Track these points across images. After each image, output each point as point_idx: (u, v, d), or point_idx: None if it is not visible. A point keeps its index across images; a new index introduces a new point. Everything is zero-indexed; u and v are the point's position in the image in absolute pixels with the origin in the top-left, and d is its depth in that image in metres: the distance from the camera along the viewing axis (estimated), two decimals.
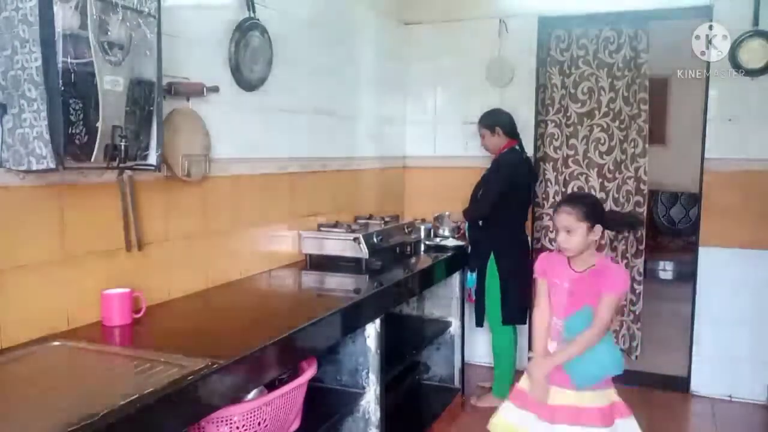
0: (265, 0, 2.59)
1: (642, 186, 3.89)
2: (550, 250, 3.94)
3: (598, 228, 2.15)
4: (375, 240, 2.82)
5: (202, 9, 2.31)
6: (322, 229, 2.99)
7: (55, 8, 1.47)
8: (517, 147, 3.41)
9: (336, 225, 3.02)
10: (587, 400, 2.11)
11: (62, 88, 1.50)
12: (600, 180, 3.89)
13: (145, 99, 1.76)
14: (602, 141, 3.87)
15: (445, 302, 3.46)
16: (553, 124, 3.97)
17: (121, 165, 1.73)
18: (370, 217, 3.34)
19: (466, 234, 3.52)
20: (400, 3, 4.07)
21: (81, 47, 1.54)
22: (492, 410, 3.35)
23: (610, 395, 2.15)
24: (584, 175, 3.93)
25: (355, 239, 2.76)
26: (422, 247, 3.38)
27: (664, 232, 6.89)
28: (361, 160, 3.59)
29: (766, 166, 3.42)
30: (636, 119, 3.86)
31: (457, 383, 3.50)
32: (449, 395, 3.41)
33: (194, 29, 2.24)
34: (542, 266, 2.30)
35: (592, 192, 3.89)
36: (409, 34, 4.12)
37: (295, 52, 2.86)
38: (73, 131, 1.55)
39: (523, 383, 2.27)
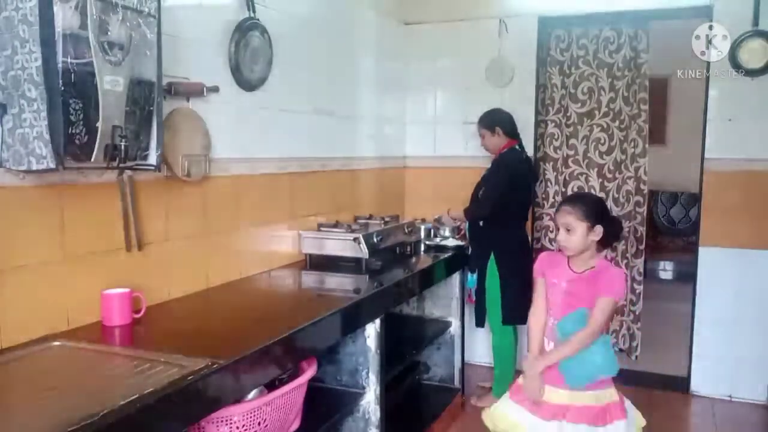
0: (265, 0, 2.59)
1: (642, 186, 3.89)
2: (551, 250, 3.95)
3: (599, 228, 2.14)
4: (375, 240, 2.82)
5: (202, 9, 2.31)
6: (322, 229, 2.99)
7: (55, 8, 1.47)
8: (517, 147, 3.40)
9: (336, 225, 3.02)
10: (579, 399, 2.11)
11: (62, 88, 1.50)
12: (600, 180, 3.89)
13: (145, 99, 1.76)
14: (602, 141, 3.87)
15: (445, 302, 3.46)
16: (553, 124, 3.97)
17: (121, 165, 1.73)
18: (370, 217, 3.34)
19: (467, 234, 3.52)
20: (400, 3, 4.07)
21: (81, 47, 1.54)
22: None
23: (607, 396, 2.14)
24: (584, 175, 3.93)
25: (355, 239, 2.76)
26: (422, 247, 3.38)
27: (664, 232, 6.89)
28: (361, 160, 3.59)
29: (766, 166, 3.42)
30: (636, 119, 3.86)
31: (457, 383, 3.50)
32: (449, 395, 3.41)
33: (194, 29, 2.24)
34: (542, 266, 2.31)
35: (592, 192, 3.89)
36: (409, 34, 4.12)
37: (295, 52, 2.86)
38: (73, 131, 1.55)
39: (522, 380, 2.27)
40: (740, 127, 3.44)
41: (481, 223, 3.39)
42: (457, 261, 3.34)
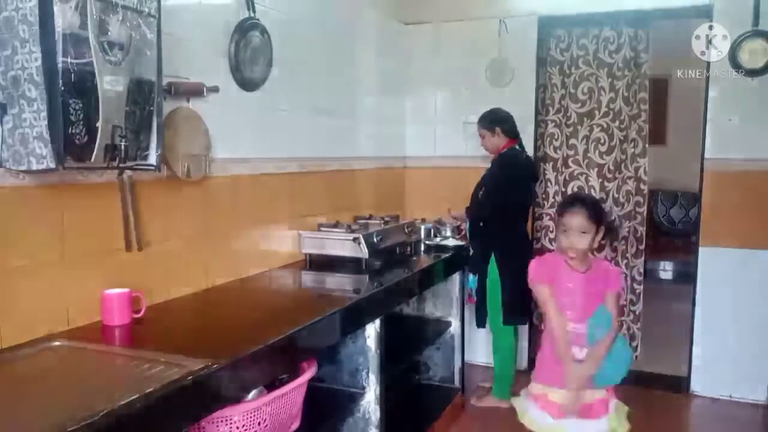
0: (265, 0, 2.59)
1: (642, 186, 3.90)
2: (547, 251, 3.95)
3: (602, 228, 2.17)
4: (375, 240, 2.82)
5: (202, 9, 2.31)
6: (322, 229, 2.99)
7: (55, 8, 1.47)
8: (517, 147, 3.40)
9: (336, 225, 3.02)
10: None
11: (62, 88, 1.50)
12: (600, 180, 3.89)
13: (145, 99, 1.76)
14: (602, 141, 3.88)
15: (445, 302, 3.46)
16: (553, 124, 3.97)
17: (121, 165, 1.73)
18: (370, 217, 3.34)
19: (467, 234, 3.52)
20: (400, 3, 4.07)
21: (81, 47, 1.54)
22: (492, 410, 3.39)
23: (595, 392, 2.17)
24: (584, 175, 3.93)
25: (355, 239, 2.76)
26: (422, 247, 3.38)
27: (664, 232, 6.89)
28: (361, 160, 3.59)
29: (766, 166, 3.42)
30: (636, 119, 3.86)
31: (457, 383, 3.50)
32: (449, 395, 3.41)
33: (194, 29, 2.24)
34: (542, 272, 2.22)
35: (592, 192, 3.89)
36: (409, 34, 4.12)
37: (295, 52, 2.86)
38: (73, 131, 1.55)
39: (565, 394, 2.18)
40: (740, 127, 3.44)
41: (481, 223, 3.39)
42: (457, 261, 3.34)
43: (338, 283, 2.73)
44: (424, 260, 3.15)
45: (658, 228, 6.87)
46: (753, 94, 3.40)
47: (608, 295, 2.15)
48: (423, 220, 3.59)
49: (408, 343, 3.07)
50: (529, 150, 3.67)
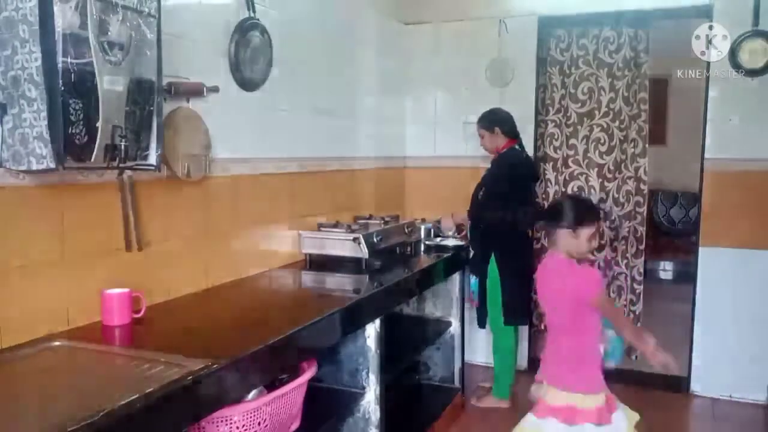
0: (265, 0, 2.59)
1: (642, 186, 3.90)
2: (547, 252, 3.96)
3: None
4: (375, 240, 2.82)
5: (202, 9, 2.31)
6: (322, 229, 2.99)
7: (55, 8, 1.47)
8: (517, 146, 3.40)
9: (336, 225, 3.02)
10: (578, 401, 2.14)
11: (62, 88, 1.50)
12: (600, 180, 3.89)
13: (145, 99, 1.76)
14: (602, 141, 3.88)
15: (445, 302, 3.46)
16: (553, 124, 3.98)
17: (121, 165, 1.73)
18: (370, 217, 3.34)
19: (468, 234, 3.52)
20: (400, 3, 4.07)
21: (81, 47, 1.53)
22: (492, 410, 3.40)
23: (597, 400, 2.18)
24: (584, 175, 3.93)
25: (355, 239, 2.76)
26: (422, 247, 3.38)
27: (664, 232, 6.89)
28: (361, 160, 3.59)
29: (766, 166, 3.42)
30: (636, 119, 3.86)
31: (457, 383, 3.50)
32: (449, 395, 3.41)
33: (194, 29, 2.24)
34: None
35: (592, 192, 3.89)
36: (409, 34, 4.12)
37: (295, 52, 2.86)
38: (73, 131, 1.55)
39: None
40: (740, 127, 3.44)
41: (481, 224, 3.38)
42: (457, 261, 3.34)
43: (338, 283, 2.73)
44: (424, 260, 3.15)
45: (658, 228, 6.87)
46: (753, 94, 3.40)
47: None
48: (423, 220, 3.59)
49: (408, 343, 3.07)
50: (529, 150, 3.67)
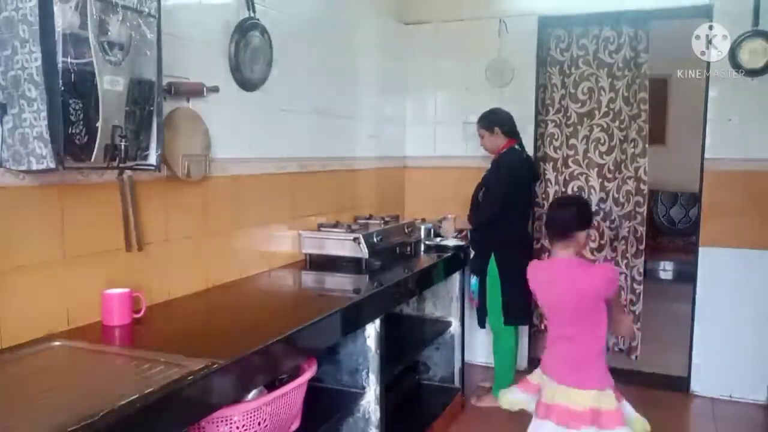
0: (265, 0, 2.59)
1: (642, 186, 3.90)
2: (547, 252, 3.96)
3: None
4: (375, 240, 2.82)
5: (202, 9, 2.31)
6: (322, 229, 2.99)
7: (55, 8, 1.47)
8: (517, 146, 3.39)
9: (336, 225, 3.02)
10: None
11: (62, 88, 1.50)
12: (600, 180, 3.89)
13: (145, 99, 1.76)
14: (602, 141, 3.88)
15: (445, 302, 3.46)
16: (553, 124, 3.97)
17: (121, 165, 1.73)
18: (370, 217, 3.34)
19: (468, 234, 3.52)
20: (400, 3, 4.07)
21: (81, 47, 1.54)
22: (492, 410, 3.39)
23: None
24: (584, 175, 3.93)
25: (355, 239, 2.76)
26: (422, 247, 3.38)
27: (664, 232, 6.89)
28: (361, 160, 3.59)
29: (766, 166, 3.42)
30: (636, 119, 3.86)
31: (457, 383, 3.50)
32: (449, 395, 3.41)
33: (194, 29, 2.24)
34: None
35: (592, 192, 3.89)
36: (409, 34, 4.12)
37: (295, 52, 2.86)
38: (73, 131, 1.55)
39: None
40: (740, 127, 3.44)
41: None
42: (457, 261, 3.34)
43: (338, 283, 2.73)
44: (424, 260, 3.15)
45: (658, 228, 6.87)
46: (753, 94, 3.40)
47: None
48: (423, 220, 3.59)
49: (408, 343, 3.07)
50: (529, 150, 3.67)
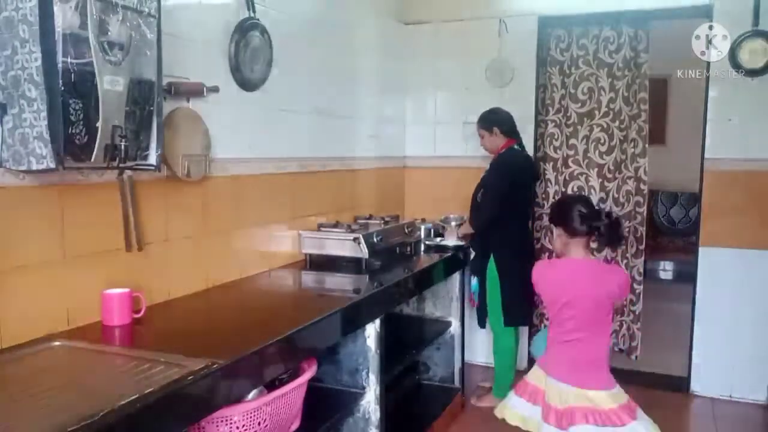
0: (265, 0, 2.59)
1: (642, 186, 3.90)
2: (548, 251, 3.96)
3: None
4: (375, 240, 2.82)
5: (202, 9, 2.31)
6: (322, 229, 2.99)
7: (55, 8, 1.47)
8: (516, 146, 3.39)
9: (336, 225, 3.02)
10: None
11: (62, 88, 1.50)
12: (600, 180, 3.89)
13: (145, 99, 1.76)
14: (602, 141, 3.88)
15: (445, 302, 3.46)
16: (553, 124, 3.97)
17: (121, 165, 1.73)
18: (370, 217, 3.34)
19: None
20: (400, 3, 4.07)
21: (81, 47, 1.53)
22: (492, 410, 3.39)
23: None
24: (584, 175, 3.93)
25: (355, 239, 2.76)
26: (422, 247, 3.38)
27: (664, 232, 6.89)
28: (361, 160, 3.59)
29: (766, 166, 3.42)
30: (636, 119, 3.86)
31: (457, 383, 3.50)
32: (449, 395, 3.41)
33: (194, 29, 2.24)
34: None
35: (592, 192, 3.89)
36: (409, 34, 4.12)
37: (295, 52, 2.86)
38: (73, 131, 1.55)
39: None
40: (740, 127, 3.44)
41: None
42: (457, 261, 3.34)
43: (338, 283, 2.73)
44: (424, 260, 3.15)
45: (658, 228, 6.87)
46: (753, 94, 3.40)
47: None
48: (423, 220, 3.59)
49: (408, 343, 3.07)
50: (529, 150, 3.67)
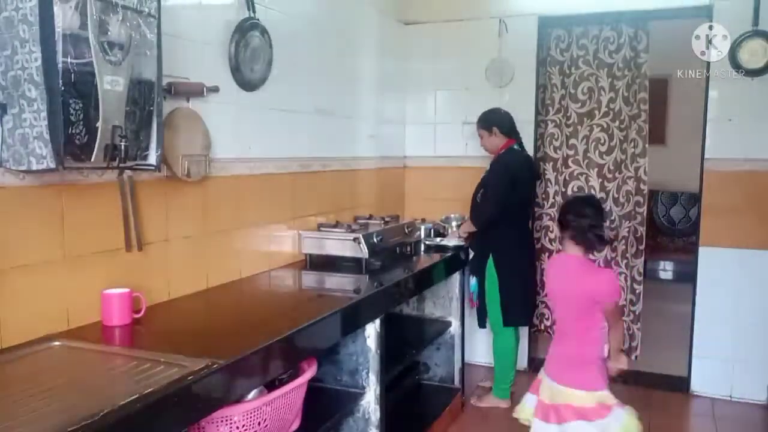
0: (265, 0, 2.59)
1: (642, 186, 3.89)
2: (547, 251, 3.95)
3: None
4: (375, 240, 2.82)
5: (202, 9, 2.31)
6: (322, 229, 2.99)
7: (55, 8, 1.47)
8: (516, 146, 3.39)
9: (336, 225, 3.02)
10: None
11: (62, 88, 1.50)
12: (600, 180, 3.89)
13: (145, 99, 1.76)
14: (602, 141, 3.87)
15: (445, 302, 3.46)
16: (553, 124, 3.97)
17: (121, 165, 1.73)
18: (370, 217, 3.34)
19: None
20: (401, 3, 4.07)
21: (81, 47, 1.54)
22: (492, 410, 3.40)
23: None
24: (584, 175, 3.93)
25: (355, 239, 2.76)
26: (422, 247, 3.38)
27: (664, 232, 6.89)
28: (361, 160, 3.59)
29: (766, 166, 3.42)
30: (636, 119, 3.86)
31: (457, 383, 3.49)
32: (449, 395, 3.41)
33: (194, 29, 2.24)
34: None
35: (592, 192, 3.89)
36: (409, 34, 4.12)
37: (295, 52, 2.86)
38: (73, 131, 1.55)
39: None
40: (740, 127, 3.44)
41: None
42: (457, 261, 3.34)
43: (338, 283, 2.73)
44: (424, 260, 3.15)
45: (658, 228, 6.87)
46: (753, 94, 3.40)
47: None
48: (423, 220, 3.59)
49: (408, 343, 3.06)
50: (529, 150, 3.67)
